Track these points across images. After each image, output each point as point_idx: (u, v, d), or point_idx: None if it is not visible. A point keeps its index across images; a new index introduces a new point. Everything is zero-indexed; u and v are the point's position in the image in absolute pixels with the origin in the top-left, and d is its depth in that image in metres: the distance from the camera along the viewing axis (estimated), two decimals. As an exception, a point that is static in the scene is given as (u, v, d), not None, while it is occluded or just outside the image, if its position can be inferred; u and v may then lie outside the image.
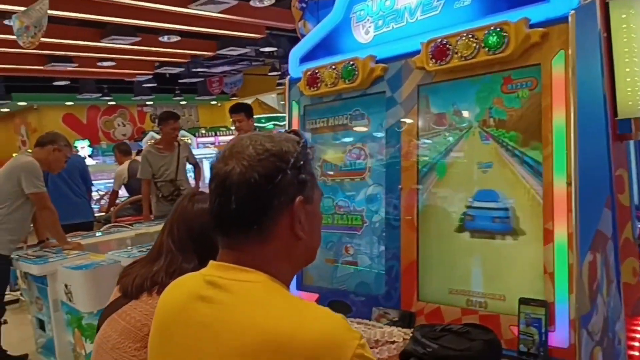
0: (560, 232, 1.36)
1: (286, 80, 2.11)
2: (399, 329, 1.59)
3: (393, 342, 1.51)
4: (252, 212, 0.87)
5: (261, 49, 8.26)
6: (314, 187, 0.96)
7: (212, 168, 0.93)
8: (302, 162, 0.91)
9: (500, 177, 1.52)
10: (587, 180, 1.38)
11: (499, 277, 1.52)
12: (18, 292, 4.88)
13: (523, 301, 1.39)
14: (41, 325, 3.46)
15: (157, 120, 6.22)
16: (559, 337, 1.35)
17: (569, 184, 1.35)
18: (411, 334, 1.46)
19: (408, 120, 1.71)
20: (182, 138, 7.25)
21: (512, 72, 1.49)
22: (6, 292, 5.17)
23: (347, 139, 1.93)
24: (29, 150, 3.67)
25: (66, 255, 3.28)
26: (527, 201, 1.46)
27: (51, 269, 3.11)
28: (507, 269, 1.51)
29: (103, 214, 5.84)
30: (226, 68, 10.59)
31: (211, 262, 0.94)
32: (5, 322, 4.17)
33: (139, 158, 5.30)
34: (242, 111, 4.49)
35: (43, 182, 3.50)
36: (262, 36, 7.19)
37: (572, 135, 1.35)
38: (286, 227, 0.89)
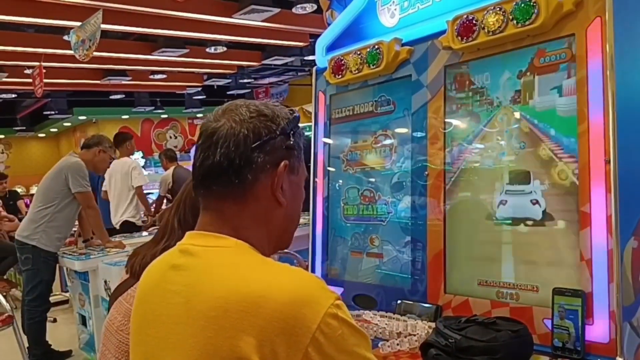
0: (598, 215, 1.24)
1: (313, 71, 2.07)
2: (424, 322, 1.50)
3: (416, 335, 1.43)
4: (236, 165, 0.85)
5: (305, 58, 8.30)
6: (301, 161, 0.95)
7: (202, 127, 0.91)
8: (292, 132, 0.91)
9: (533, 157, 1.41)
10: (630, 159, 1.25)
11: (532, 267, 1.40)
12: (68, 293, 5.08)
13: (557, 291, 1.27)
14: (83, 321, 3.56)
15: None
16: (598, 330, 1.22)
17: (607, 162, 1.23)
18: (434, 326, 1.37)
19: (435, 103, 1.62)
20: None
21: (544, 45, 1.39)
22: (57, 293, 5.41)
23: (373, 127, 1.86)
24: (76, 152, 3.83)
25: (107, 252, 3.37)
26: (562, 183, 1.34)
27: (92, 265, 3.21)
28: (540, 258, 1.39)
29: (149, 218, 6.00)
30: (273, 79, 10.74)
31: (188, 232, 0.92)
32: (55, 320, 4.34)
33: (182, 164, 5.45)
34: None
35: (88, 182, 3.64)
36: (306, 44, 7.23)
37: (610, 108, 1.24)
38: (267, 190, 0.88)
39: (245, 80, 10.20)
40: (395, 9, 1.79)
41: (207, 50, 7.32)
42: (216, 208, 0.89)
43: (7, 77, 8.05)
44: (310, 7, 5.57)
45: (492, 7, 1.44)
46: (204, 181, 0.88)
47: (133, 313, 0.95)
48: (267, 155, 0.87)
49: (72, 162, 3.66)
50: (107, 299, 3.11)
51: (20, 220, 5.22)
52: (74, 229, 5.60)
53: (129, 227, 4.88)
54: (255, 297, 0.75)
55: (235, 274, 0.80)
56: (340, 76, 1.88)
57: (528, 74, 1.43)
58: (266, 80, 10.71)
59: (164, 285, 0.87)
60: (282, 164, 0.88)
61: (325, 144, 2.00)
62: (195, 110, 11.90)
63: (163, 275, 0.89)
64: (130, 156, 5.38)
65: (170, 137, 13.54)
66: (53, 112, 11.22)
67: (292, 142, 0.90)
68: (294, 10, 5.65)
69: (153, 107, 11.57)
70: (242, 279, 0.79)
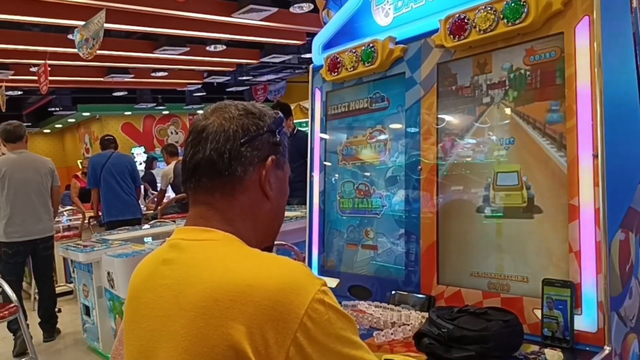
0: (587, 208, 1.23)
1: (309, 68, 2.05)
2: (417, 312, 1.49)
3: (409, 325, 1.42)
4: (226, 158, 0.86)
5: (302, 56, 8.27)
6: (286, 158, 0.97)
7: (192, 125, 0.92)
8: (278, 129, 0.93)
9: (524, 152, 1.40)
10: (618, 154, 1.24)
11: (522, 258, 1.39)
12: (73, 284, 5.06)
13: (547, 282, 1.27)
14: (87, 311, 3.55)
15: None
16: (587, 320, 1.21)
17: (595, 156, 1.22)
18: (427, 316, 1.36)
19: (428, 100, 1.61)
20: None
21: (534, 43, 1.37)
22: (62, 284, 5.40)
23: (367, 123, 1.85)
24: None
25: (110, 244, 3.36)
26: (552, 177, 1.33)
27: (96, 256, 3.20)
28: (531, 249, 1.38)
29: (151, 211, 5.98)
30: (271, 76, 10.71)
31: (177, 227, 0.93)
32: (60, 310, 4.34)
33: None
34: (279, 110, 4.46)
35: None
36: (303, 43, 7.21)
37: (597, 105, 1.22)
38: (255, 183, 0.90)
39: (244, 78, 10.17)
40: (389, 8, 1.77)
41: (207, 48, 7.30)
42: (205, 202, 0.89)
43: (13, 75, 8.00)
44: (307, 7, 5.56)
45: (483, 7, 1.42)
46: (194, 174, 0.89)
47: (126, 307, 0.95)
48: (256, 150, 0.88)
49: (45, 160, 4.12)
50: (111, 289, 3.10)
51: None
52: (76, 222, 5.60)
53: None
54: (243, 286, 0.76)
55: (223, 265, 0.80)
56: (336, 73, 1.86)
57: (518, 71, 1.41)
58: (264, 78, 10.68)
59: (155, 280, 0.87)
60: (270, 158, 0.90)
61: (321, 139, 1.99)
62: (195, 106, 11.88)
63: (154, 270, 0.89)
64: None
65: (172, 133, 13.49)
66: (58, 109, 11.18)
67: (278, 139, 0.93)
68: (291, 9, 5.63)
69: (155, 104, 11.54)
70: (230, 270, 0.79)
